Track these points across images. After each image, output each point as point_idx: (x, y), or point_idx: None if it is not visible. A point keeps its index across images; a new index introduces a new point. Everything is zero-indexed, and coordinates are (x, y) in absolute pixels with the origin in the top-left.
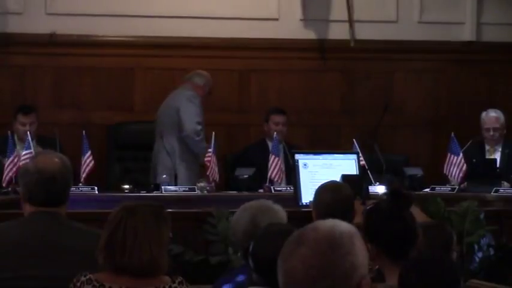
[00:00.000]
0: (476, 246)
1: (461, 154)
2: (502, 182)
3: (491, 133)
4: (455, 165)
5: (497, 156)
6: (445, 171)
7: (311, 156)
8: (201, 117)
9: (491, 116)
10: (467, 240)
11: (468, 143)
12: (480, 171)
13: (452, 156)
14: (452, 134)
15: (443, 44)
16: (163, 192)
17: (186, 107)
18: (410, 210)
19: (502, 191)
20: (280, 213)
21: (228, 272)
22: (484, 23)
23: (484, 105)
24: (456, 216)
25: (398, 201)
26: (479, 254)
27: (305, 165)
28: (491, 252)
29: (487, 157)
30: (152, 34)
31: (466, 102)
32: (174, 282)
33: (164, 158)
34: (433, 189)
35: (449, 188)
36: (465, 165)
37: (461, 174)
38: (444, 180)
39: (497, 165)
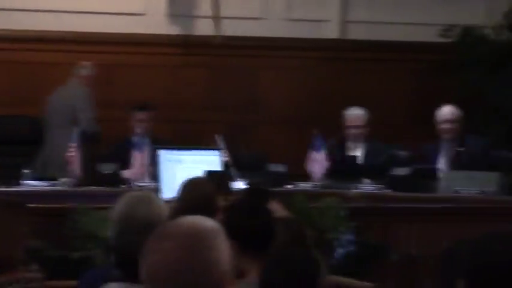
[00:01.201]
0: (337, 242)
1: (324, 151)
2: (364, 178)
3: (354, 130)
4: (318, 162)
5: (359, 153)
6: (308, 168)
7: (175, 152)
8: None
9: (354, 113)
10: (329, 236)
11: (331, 140)
12: (342, 168)
13: (315, 153)
14: (316, 131)
15: (309, 42)
16: (24, 187)
17: (82, 105)
18: (268, 205)
19: (363, 187)
20: (159, 206)
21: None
22: (350, 20)
23: (348, 102)
24: (318, 212)
25: (256, 197)
26: (341, 250)
27: (179, 161)
28: (352, 248)
29: (349, 154)
30: (11, 27)
31: (330, 100)
32: (27, 272)
33: (62, 153)
34: (296, 185)
35: (312, 185)
36: (328, 162)
37: (323, 171)
38: (307, 177)
39: (359, 162)
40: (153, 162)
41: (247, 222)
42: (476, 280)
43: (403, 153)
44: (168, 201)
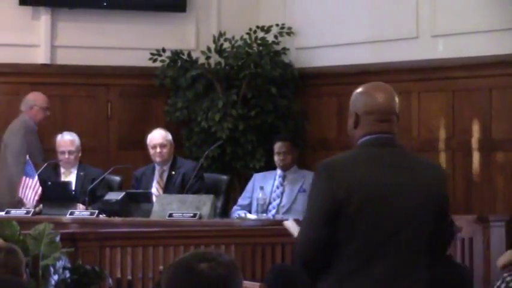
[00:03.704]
0: (52, 269)
1: (36, 177)
2: (78, 204)
3: (67, 156)
4: (31, 188)
5: (73, 178)
6: (20, 195)
7: None
8: (25, 147)
9: (67, 139)
10: (44, 264)
11: (44, 165)
12: (56, 194)
13: (27, 179)
14: (28, 157)
15: (18, 67)
16: None
17: (11, 144)
18: None
19: (77, 213)
20: None
21: None
22: (59, 46)
23: (59, 127)
24: (32, 239)
25: None
26: (56, 277)
27: None
28: (67, 274)
29: (62, 179)
30: None
31: (42, 125)
32: None
33: None
34: (8, 212)
35: (25, 211)
36: (40, 188)
37: (36, 197)
38: (20, 203)
39: (73, 188)
40: None
41: None
42: None
43: (116, 178)
44: None
